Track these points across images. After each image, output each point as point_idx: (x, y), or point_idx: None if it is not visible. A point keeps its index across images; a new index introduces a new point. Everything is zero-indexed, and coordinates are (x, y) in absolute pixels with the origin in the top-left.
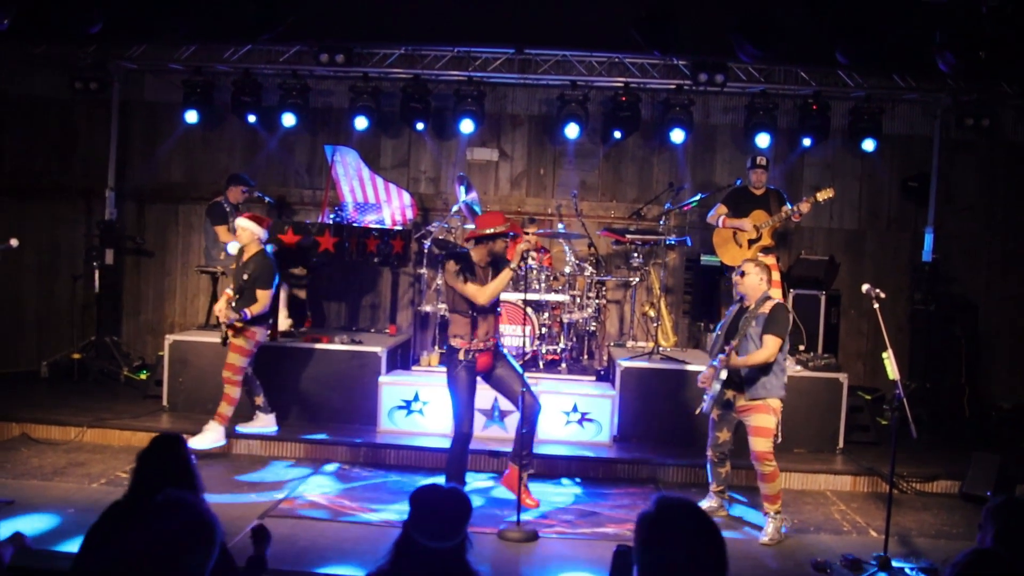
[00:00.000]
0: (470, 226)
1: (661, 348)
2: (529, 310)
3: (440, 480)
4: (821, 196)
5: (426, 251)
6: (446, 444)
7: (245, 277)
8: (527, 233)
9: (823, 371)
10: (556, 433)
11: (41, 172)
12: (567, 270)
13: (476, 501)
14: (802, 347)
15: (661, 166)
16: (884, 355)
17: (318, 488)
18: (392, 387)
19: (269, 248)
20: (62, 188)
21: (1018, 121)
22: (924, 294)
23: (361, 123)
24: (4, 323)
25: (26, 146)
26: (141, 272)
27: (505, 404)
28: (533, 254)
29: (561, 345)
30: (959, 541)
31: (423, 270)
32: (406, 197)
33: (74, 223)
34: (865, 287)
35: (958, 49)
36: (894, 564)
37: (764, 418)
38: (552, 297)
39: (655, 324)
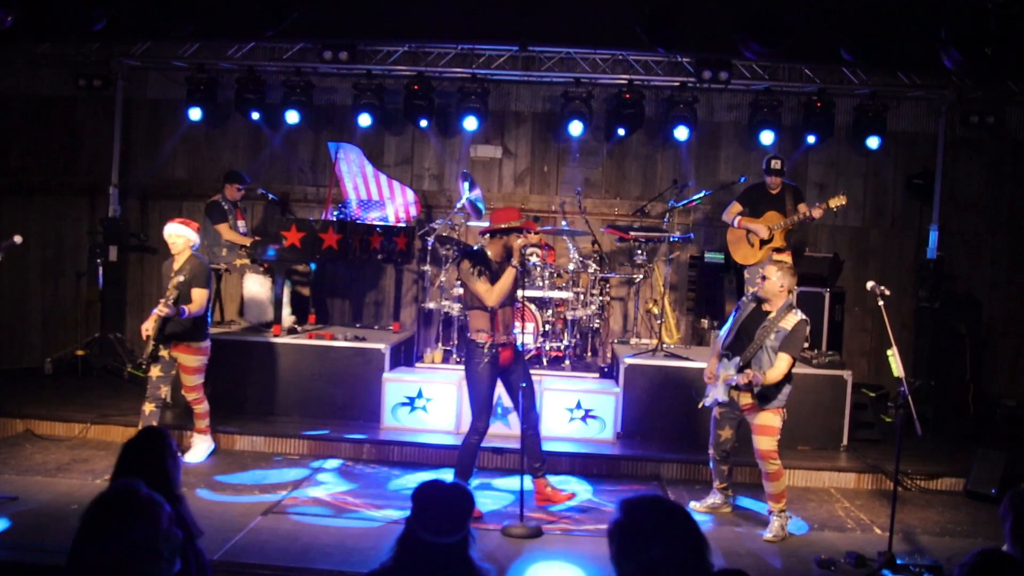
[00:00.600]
0: (473, 223)
1: (665, 345)
2: (532, 307)
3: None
4: (834, 203)
5: (429, 248)
6: (450, 441)
7: (182, 279)
8: (539, 232)
9: (827, 368)
10: (560, 430)
11: (45, 170)
12: (571, 267)
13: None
14: (806, 344)
15: (665, 163)
16: (889, 352)
17: (321, 485)
18: (396, 384)
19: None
20: (66, 185)
21: None
22: (928, 292)
23: (365, 120)
24: (8, 320)
25: (30, 144)
26: (145, 269)
27: (508, 401)
28: (537, 251)
29: (565, 342)
30: (964, 539)
31: (427, 267)
32: (409, 194)
33: (78, 220)
34: (870, 284)
35: (964, 46)
36: (898, 561)
37: (769, 417)
38: (556, 294)
39: (659, 321)
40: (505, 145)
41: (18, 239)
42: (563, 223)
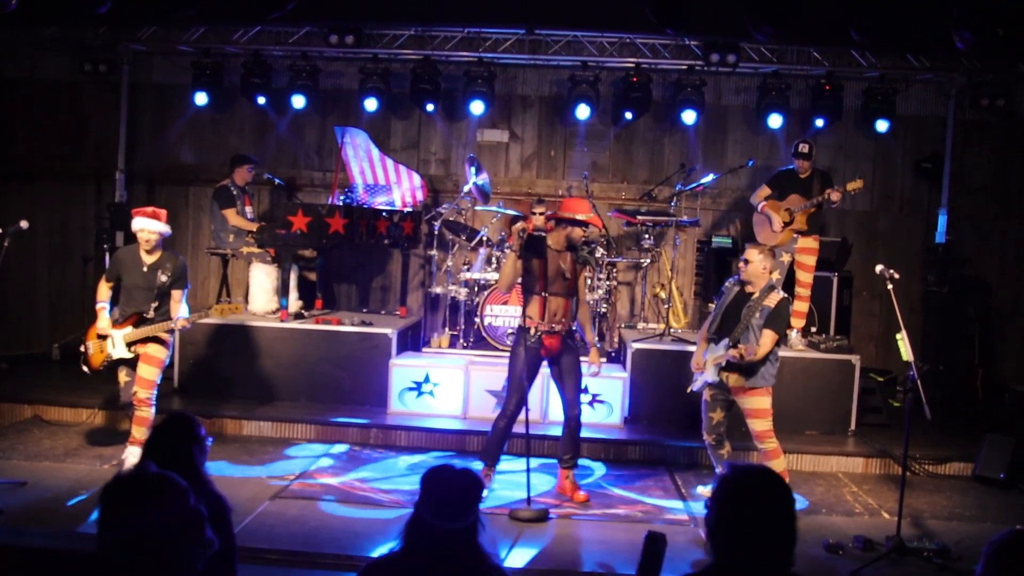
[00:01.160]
0: (480, 207)
1: (672, 329)
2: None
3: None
4: (851, 187)
5: (436, 233)
6: (456, 425)
7: (164, 279)
8: (603, 230)
9: (835, 353)
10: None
11: (52, 155)
12: None
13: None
14: (814, 329)
15: (672, 147)
16: (898, 336)
17: (329, 470)
18: (403, 369)
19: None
20: (72, 171)
21: None
22: (937, 276)
23: (371, 104)
24: (16, 306)
25: (36, 129)
26: None
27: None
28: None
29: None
30: (972, 523)
31: (433, 252)
32: (416, 179)
33: (85, 205)
34: (879, 268)
35: (975, 26)
36: (907, 546)
37: (760, 399)
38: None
39: (666, 306)
40: (512, 129)
41: (24, 224)
42: None
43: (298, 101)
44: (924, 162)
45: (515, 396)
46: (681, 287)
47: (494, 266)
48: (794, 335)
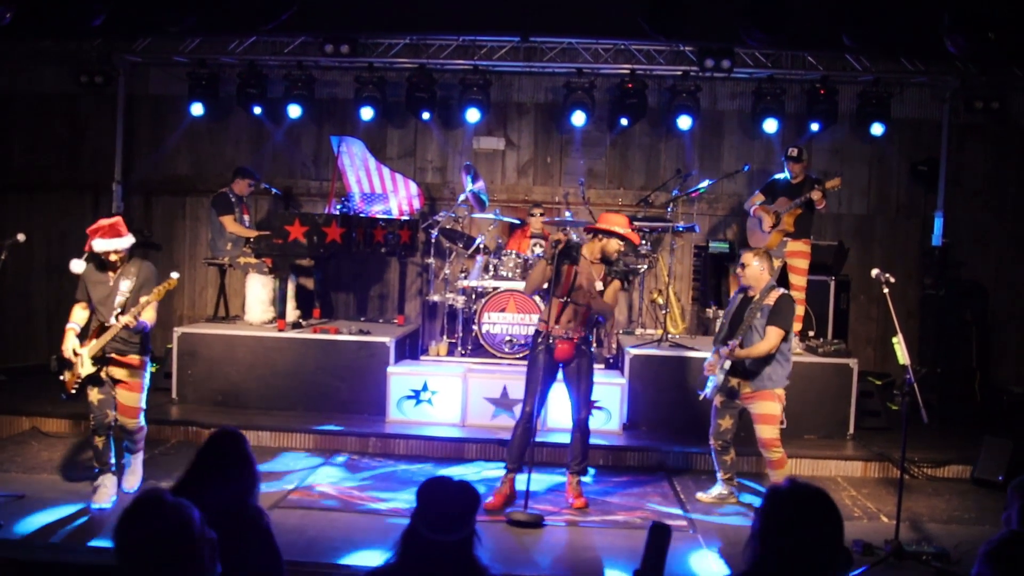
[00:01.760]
0: (477, 215)
1: (670, 335)
2: (537, 298)
3: (450, 471)
4: (829, 184)
5: (433, 241)
6: (455, 433)
7: (129, 284)
8: (644, 245)
9: (833, 357)
10: (566, 421)
11: (49, 167)
12: None
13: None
14: (811, 333)
15: (668, 153)
16: (894, 340)
17: (327, 479)
18: (401, 377)
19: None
20: (69, 182)
21: None
22: (934, 279)
23: (367, 113)
24: (14, 317)
25: (33, 141)
26: None
27: (515, 393)
28: (541, 242)
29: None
30: (971, 526)
31: (431, 260)
32: (413, 187)
33: (82, 217)
34: (875, 272)
35: (967, 30)
36: (906, 549)
37: (769, 405)
38: None
39: (663, 311)
40: (508, 136)
41: (21, 237)
42: (567, 214)
43: (294, 111)
44: (920, 165)
45: (529, 400)
46: (678, 292)
47: (491, 273)
48: (792, 339)
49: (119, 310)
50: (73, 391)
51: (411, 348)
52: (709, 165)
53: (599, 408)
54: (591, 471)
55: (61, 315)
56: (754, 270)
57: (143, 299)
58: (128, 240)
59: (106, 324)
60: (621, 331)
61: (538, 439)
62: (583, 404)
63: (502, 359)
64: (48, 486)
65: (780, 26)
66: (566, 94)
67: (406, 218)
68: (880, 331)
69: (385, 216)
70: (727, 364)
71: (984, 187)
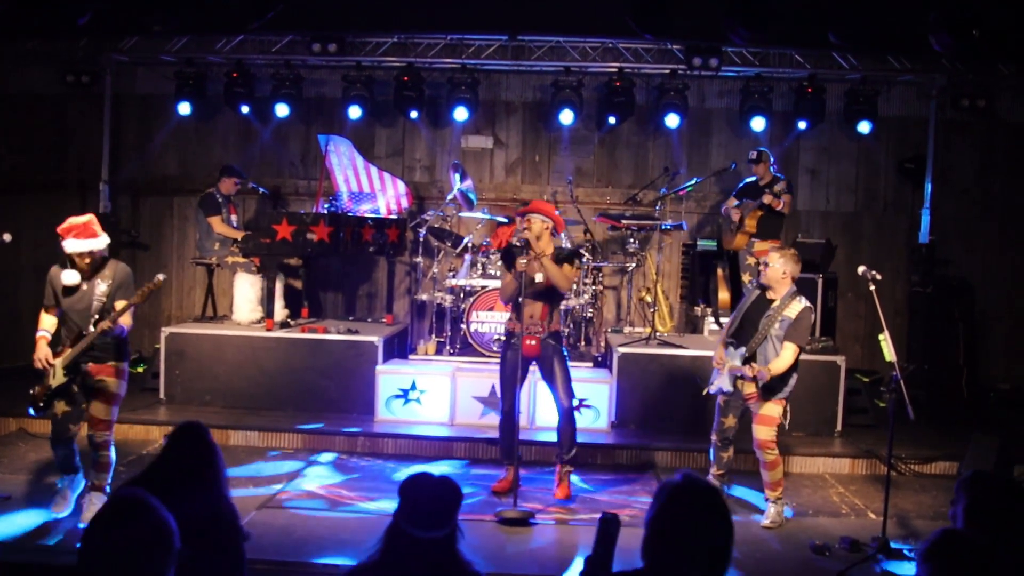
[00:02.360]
0: (465, 214)
1: (658, 333)
2: None
3: (436, 468)
4: (777, 189)
5: (421, 240)
6: (444, 432)
7: (104, 289)
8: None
9: (821, 354)
10: (554, 420)
11: (35, 167)
12: None
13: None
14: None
15: (656, 151)
16: (881, 337)
17: (316, 478)
18: (389, 376)
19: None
20: (56, 183)
21: (1014, 101)
22: (921, 276)
23: (355, 112)
24: (1, 318)
25: (20, 142)
26: (136, 265)
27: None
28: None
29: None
30: None
31: (419, 259)
32: (401, 186)
33: (69, 217)
34: (861, 269)
35: (953, 29)
36: (893, 546)
37: (771, 407)
38: None
39: (652, 309)
40: (496, 135)
41: (7, 237)
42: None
43: (282, 110)
44: (907, 163)
45: (506, 396)
46: (667, 290)
47: (480, 272)
48: None
49: (96, 316)
50: (41, 404)
51: (399, 347)
52: (697, 163)
53: (588, 406)
54: (588, 470)
55: None
56: (775, 271)
57: (120, 303)
58: (104, 240)
59: (84, 332)
60: (609, 329)
61: (527, 438)
62: (565, 394)
63: (490, 358)
64: (34, 488)
65: (766, 24)
66: (554, 92)
67: (394, 217)
68: (868, 328)
69: (373, 215)
70: (739, 374)
71: (971, 184)
